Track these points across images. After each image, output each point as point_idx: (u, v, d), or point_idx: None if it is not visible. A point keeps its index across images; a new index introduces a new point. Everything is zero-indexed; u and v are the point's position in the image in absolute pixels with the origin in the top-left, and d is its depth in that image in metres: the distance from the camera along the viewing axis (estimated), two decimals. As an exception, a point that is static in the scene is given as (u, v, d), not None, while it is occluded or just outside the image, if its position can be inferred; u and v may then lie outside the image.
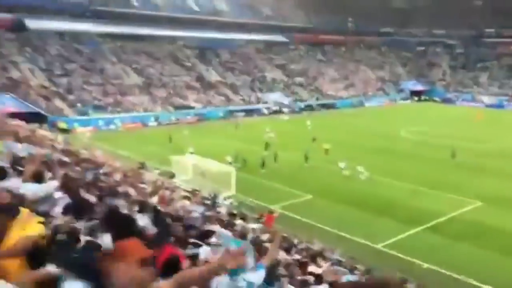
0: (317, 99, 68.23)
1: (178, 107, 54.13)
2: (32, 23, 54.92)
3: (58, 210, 4.84)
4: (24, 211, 3.36)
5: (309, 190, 26.27)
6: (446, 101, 76.19)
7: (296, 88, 69.68)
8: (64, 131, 40.68)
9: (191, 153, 30.76)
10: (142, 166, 24.96)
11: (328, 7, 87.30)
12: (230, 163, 29.35)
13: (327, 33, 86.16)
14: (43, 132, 27.79)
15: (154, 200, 10.43)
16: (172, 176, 25.83)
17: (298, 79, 72.48)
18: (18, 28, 54.26)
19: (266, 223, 18.14)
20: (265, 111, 59.53)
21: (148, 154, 32.07)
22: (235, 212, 19.06)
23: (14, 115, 34.58)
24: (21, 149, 9.02)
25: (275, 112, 60.05)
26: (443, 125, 51.24)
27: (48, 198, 5.11)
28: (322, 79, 75.37)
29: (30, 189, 5.03)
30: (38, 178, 5.38)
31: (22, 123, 29.43)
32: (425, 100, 77.78)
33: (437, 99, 77.59)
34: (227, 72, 66.63)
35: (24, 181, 5.33)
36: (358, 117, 57.11)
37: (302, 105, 64.31)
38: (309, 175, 29.72)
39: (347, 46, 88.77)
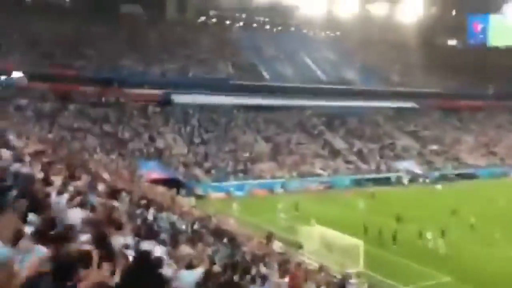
0: (455, 168, 63.51)
1: (304, 175, 54.59)
2: (177, 98, 61.45)
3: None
4: None
5: (448, 271, 23.83)
6: None
7: (430, 156, 65.93)
8: (199, 197, 43.58)
9: (316, 223, 30.38)
10: (270, 237, 25.16)
11: (462, 71, 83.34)
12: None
13: (462, 98, 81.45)
14: (181, 199, 29.91)
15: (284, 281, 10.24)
16: (300, 247, 25.58)
17: (432, 147, 68.68)
18: (165, 102, 61.04)
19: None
20: (393, 180, 56.82)
21: (275, 221, 32.42)
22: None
23: (156, 181, 38.23)
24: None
25: (406, 181, 57.24)
26: None
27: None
28: (459, 147, 70.38)
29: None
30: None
31: (163, 188, 32.34)
32: None
33: None
34: (355, 140, 65.99)
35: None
36: (501, 188, 51.41)
37: (437, 174, 60.30)
38: (449, 253, 27.05)
39: (486, 111, 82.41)
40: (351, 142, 65.09)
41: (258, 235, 24.62)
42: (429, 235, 28.36)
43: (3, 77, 52.16)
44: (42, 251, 3.84)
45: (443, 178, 59.18)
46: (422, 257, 25.90)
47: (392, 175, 58.21)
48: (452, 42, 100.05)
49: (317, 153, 60.63)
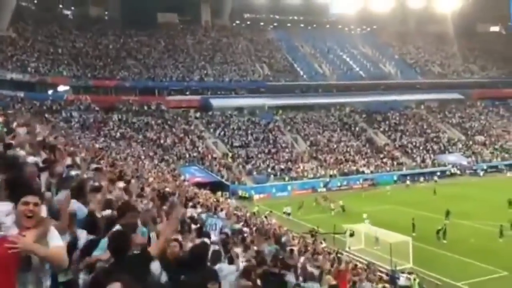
0: (503, 159, 61.03)
1: (347, 173, 53.92)
2: (216, 102, 62.30)
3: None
4: None
5: (504, 266, 22.91)
6: None
7: (477, 148, 63.63)
8: (244, 198, 44.13)
9: (365, 219, 30.00)
10: (315, 235, 25.10)
11: (507, 58, 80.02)
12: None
13: (508, 86, 78.14)
14: (225, 201, 30.26)
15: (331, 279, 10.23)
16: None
17: (479, 138, 66.25)
18: (205, 107, 61.99)
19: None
20: (438, 174, 55.18)
21: (319, 221, 32.23)
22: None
23: (200, 184, 38.85)
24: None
25: (453, 174, 55.59)
26: None
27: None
28: (508, 137, 67.51)
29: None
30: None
31: (207, 192, 32.81)
32: None
33: None
34: (397, 135, 64.57)
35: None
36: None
37: (484, 166, 58.13)
38: (504, 248, 26.01)
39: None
40: (394, 138, 63.77)
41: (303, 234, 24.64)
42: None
43: (50, 91, 54.49)
44: None
45: (492, 169, 57.11)
46: (474, 253, 25.07)
47: (438, 169, 56.57)
48: (494, 28, 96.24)
49: (359, 150, 59.76)
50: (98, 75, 59.56)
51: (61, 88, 55.56)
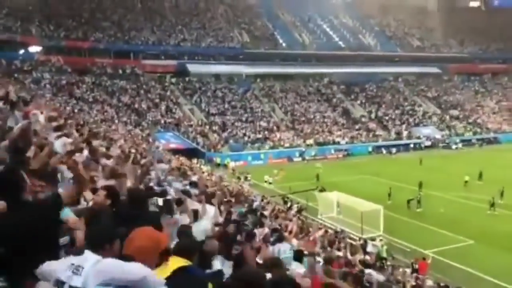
0: (475, 133, 62.27)
1: (323, 143, 54.14)
2: (193, 67, 61.09)
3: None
4: None
5: (471, 235, 23.50)
6: None
7: (451, 122, 64.61)
8: (219, 165, 43.90)
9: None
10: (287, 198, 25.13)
11: (485, 35, 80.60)
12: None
13: (484, 61, 79.04)
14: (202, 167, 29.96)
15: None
16: (322, 190, 25.33)
17: (453, 112, 67.22)
18: (181, 72, 60.75)
19: (420, 270, 16.62)
20: (412, 146, 56.22)
21: (294, 188, 32.30)
22: (385, 255, 17.99)
23: (175, 151, 38.33)
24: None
25: (427, 147, 56.52)
26: None
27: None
28: (481, 112, 68.74)
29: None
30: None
31: (183, 158, 32.36)
32: None
33: None
34: (374, 107, 64.90)
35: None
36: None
37: (457, 139, 59.21)
38: (472, 218, 26.68)
39: (510, 75, 79.82)
40: (370, 109, 64.09)
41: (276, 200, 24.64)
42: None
43: (21, 51, 52.34)
44: None
45: (465, 143, 58.28)
46: (443, 222, 25.64)
47: (412, 141, 57.41)
48: (474, 4, 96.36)
49: (335, 121, 59.91)
50: (72, 36, 57.46)
51: (32, 49, 53.35)
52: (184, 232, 4.64)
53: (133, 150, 13.55)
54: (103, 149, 9.89)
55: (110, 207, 4.03)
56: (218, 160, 45.88)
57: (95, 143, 9.60)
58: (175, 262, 2.98)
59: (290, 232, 11.21)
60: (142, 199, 4.52)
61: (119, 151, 10.84)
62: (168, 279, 2.75)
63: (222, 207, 9.22)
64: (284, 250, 7.33)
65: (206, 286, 3.05)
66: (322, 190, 26.07)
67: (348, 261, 10.91)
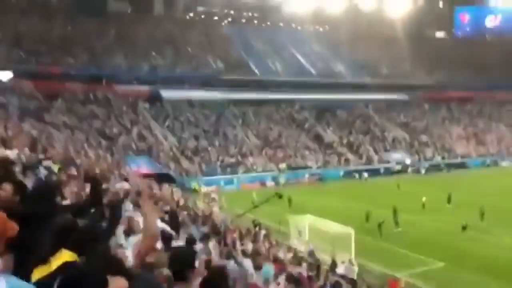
0: (443, 158, 63.86)
1: (296, 168, 54.42)
2: (166, 93, 60.97)
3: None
4: None
5: (442, 257, 23.79)
6: None
7: (420, 147, 66.12)
8: (190, 191, 43.31)
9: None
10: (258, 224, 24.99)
11: (452, 63, 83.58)
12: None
13: (452, 89, 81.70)
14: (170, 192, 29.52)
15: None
16: (280, 196, 24.94)
17: (422, 138, 68.89)
18: (154, 98, 60.52)
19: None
20: (382, 171, 57.09)
21: (266, 213, 32.11)
22: (354, 278, 17.98)
23: (146, 176, 37.77)
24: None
25: (398, 172, 57.46)
26: None
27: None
28: (449, 138, 70.69)
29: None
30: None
31: (154, 184, 31.87)
32: None
33: None
34: (345, 132, 65.96)
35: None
36: (493, 178, 51.57)
37: (427, 164, 60.50)
38: (443, 241, 27.03)
39: (476, 102, 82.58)
40: (341, 135, 65.07)
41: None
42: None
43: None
44: None
45: (433, 168, 59.58)
46: (415, 245, 25.89)
47: (383, 166, 58.34)
48: (440, 34, 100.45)
49: (307, 146, 60.49)
50: (42, 61, 56.77)
51: (1, 73, 52.28)
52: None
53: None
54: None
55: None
56: (190, 186, 45.41)
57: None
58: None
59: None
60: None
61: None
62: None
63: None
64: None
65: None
66: (280, 197, 25.68)
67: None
